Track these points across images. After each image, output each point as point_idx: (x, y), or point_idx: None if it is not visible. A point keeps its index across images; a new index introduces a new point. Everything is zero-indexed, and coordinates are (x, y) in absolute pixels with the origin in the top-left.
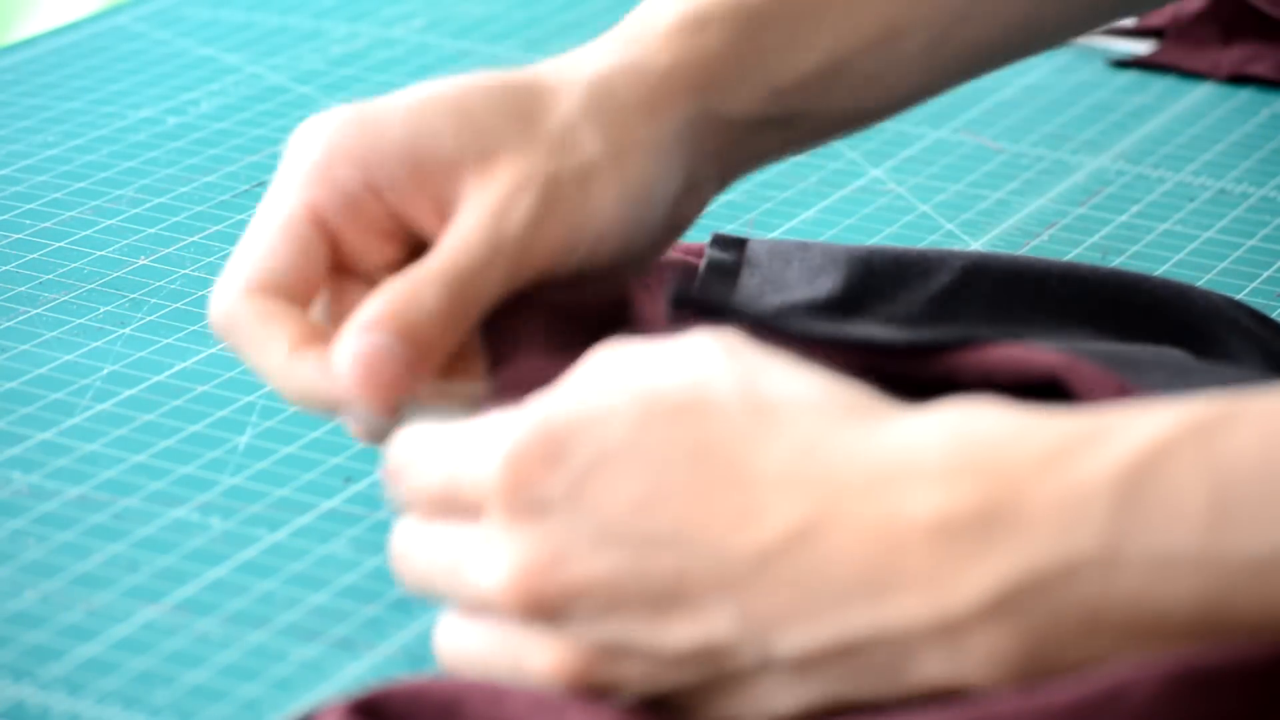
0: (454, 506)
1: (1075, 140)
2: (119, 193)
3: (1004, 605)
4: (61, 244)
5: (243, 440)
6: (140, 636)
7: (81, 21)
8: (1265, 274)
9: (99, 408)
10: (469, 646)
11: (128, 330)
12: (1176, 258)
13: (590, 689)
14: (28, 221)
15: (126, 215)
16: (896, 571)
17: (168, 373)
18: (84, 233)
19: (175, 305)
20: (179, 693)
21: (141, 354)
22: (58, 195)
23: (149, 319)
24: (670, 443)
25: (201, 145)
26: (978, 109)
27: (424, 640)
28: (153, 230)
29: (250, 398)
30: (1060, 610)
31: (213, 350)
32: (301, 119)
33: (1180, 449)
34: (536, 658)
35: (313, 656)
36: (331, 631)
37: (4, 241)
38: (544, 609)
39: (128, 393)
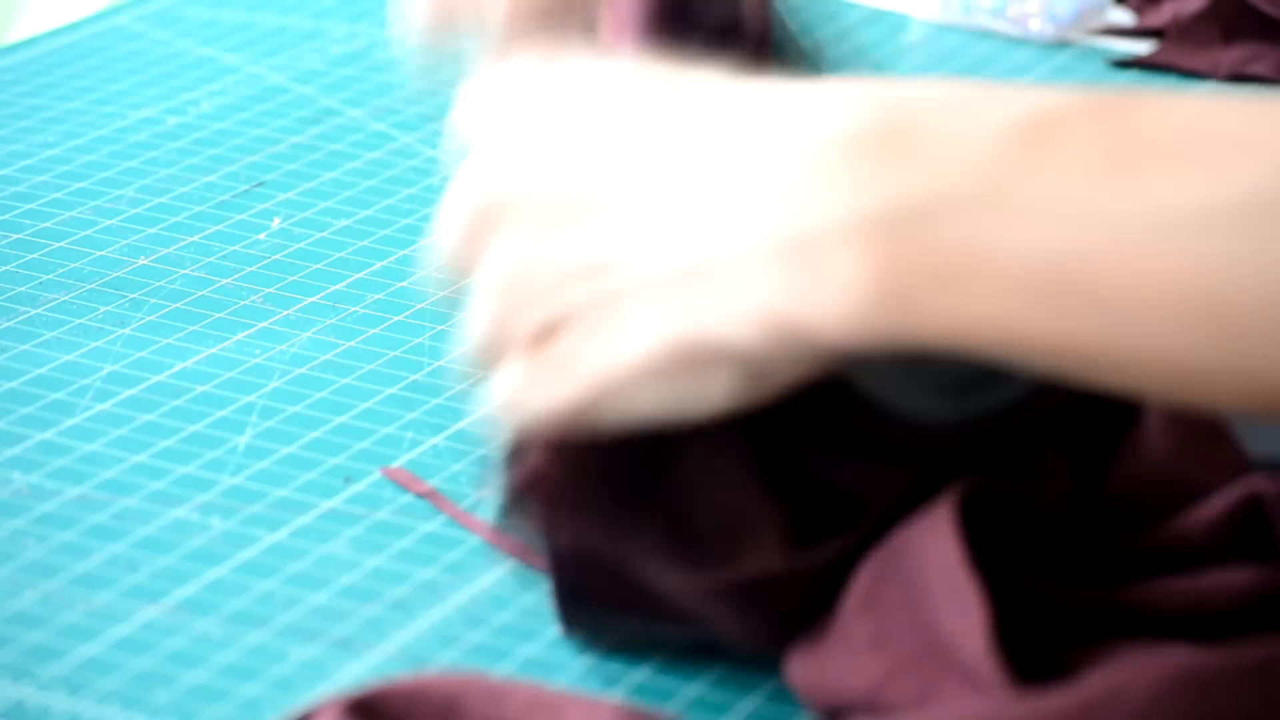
0: None
1: None
2: (119, 193)
3: (868, 229)
4: (61, 244)
5: (243, 440)
6: (140, 636)
7: (81, 21)
8: None
9: (99, 408)
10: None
11: (128, 330)
12: None
13: (504, 303)
14: (28, 221)
15: (126, 215)
16: (798, 181)
17: (168, 373)
18: (84, 233)
19: (175, 305)
20: (179, 693)
21: (141, 354)
22: (58, 195)
23: (149, 319)
24: (590, 100)
25: (201, 145)
26: None
27: (424, 640)
28: (153, 230)
29: (250, 398)
30: (926, 246)
31: (213, 350)
32: (301, 119)
33: (1082, 116)
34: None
35: (313, 656)
36: (331, 631)
37: (4, 241)
38: (477, 221)
39: (128, 393)
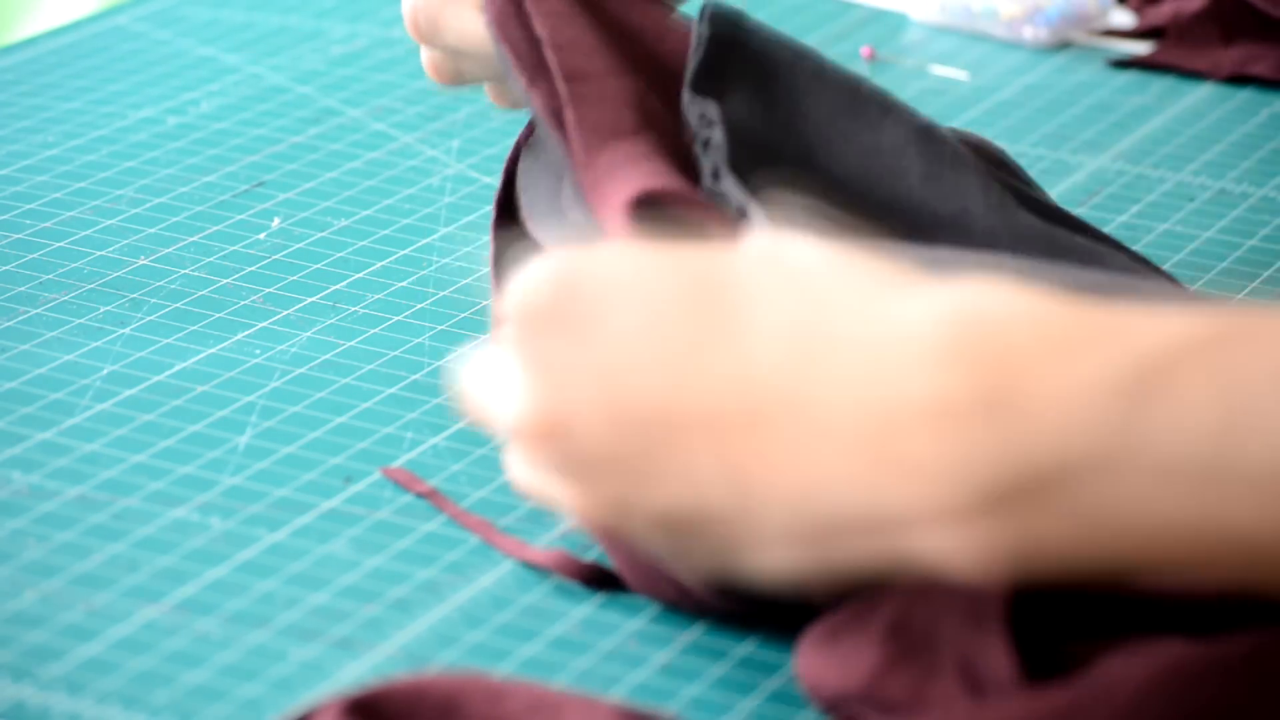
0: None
1: (1075, 140)
2: (119, 193)
3: (1003, 501)
4: (61, 244)
5: (243, 440)
6: (140, 636)
7: (81, 21)
8: (1265, 274)
9: (99, 408)
10: (524, 472)
11: (128, 330)
12: (1176, 258)
13: (607, 532)
14: (28, 221)
15: (126, 215)
16: (895, 455)
17: (168, 373)
18: (84, 233)
19: (175, 305)
20: (179, 693)
21: (141, 354)
22: (58, 195)
23: (149, 319)
24: (670, 283)
25: (201, 145)
26: (978, 109)
27: (424, 640)
28: (153, 230)
29: (250, 398)
30: (1058, 511)
31: (213, 350)
32: (301, 119)
33: (1192, 360)
34: (562, 494)
35: (313, 656)
36: (331, 631)
37: (4, 241)
38: (546, 451)
39: (128, 393)
